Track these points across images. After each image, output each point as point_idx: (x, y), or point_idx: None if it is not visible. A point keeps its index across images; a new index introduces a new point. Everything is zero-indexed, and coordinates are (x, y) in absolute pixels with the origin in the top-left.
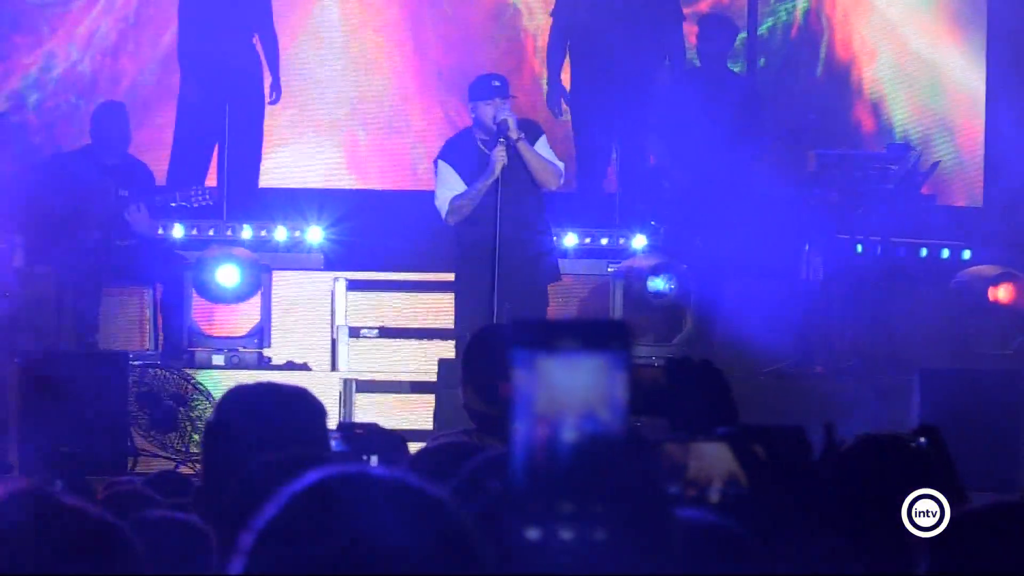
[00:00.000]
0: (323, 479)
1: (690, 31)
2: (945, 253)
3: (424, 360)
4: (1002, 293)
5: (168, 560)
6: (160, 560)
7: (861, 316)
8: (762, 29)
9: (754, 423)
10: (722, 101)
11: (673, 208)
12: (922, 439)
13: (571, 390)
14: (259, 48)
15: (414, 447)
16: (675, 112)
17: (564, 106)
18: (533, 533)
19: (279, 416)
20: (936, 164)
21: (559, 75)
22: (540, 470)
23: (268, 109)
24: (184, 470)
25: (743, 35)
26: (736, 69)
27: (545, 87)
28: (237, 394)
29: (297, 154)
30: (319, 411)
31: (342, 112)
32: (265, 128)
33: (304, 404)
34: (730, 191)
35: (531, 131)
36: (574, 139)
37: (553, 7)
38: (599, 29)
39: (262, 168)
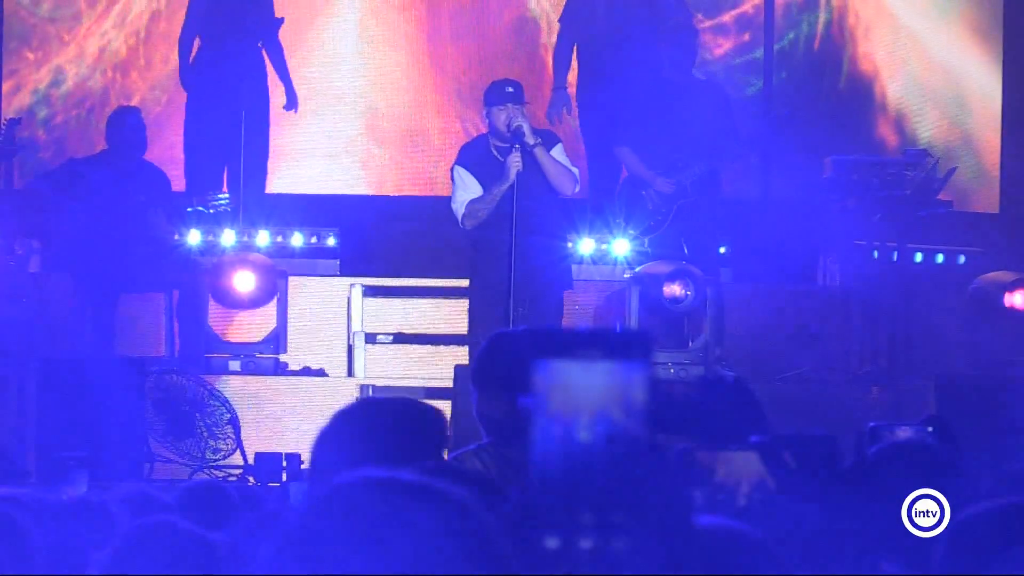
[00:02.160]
0: (347, 482)
1: (711, 42)
2: (961, 259)
3: (440, 366)
4: (1019, 299)
5: (165, 563)
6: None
7: (877, 322)
8: (783, 43)
9: (784, 431)
10: (689, 108)
11: (654, 215)
12: (930, 428)
13: (590, 396)
14: (264, 56)
15: None
16: (647, 118)
17: (565, 115)
18: (552, 542)
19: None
20: (953, 170)
21: (565, 82)
22: (559, 475)
23: (286, 119)
24: (199, 476)
25: (759, 52)
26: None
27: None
28: None
29: (313, 168)
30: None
31: (359, 127)
32: (282, 139)
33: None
34: (708, 195)
35: (547, 139)
36: (584, 146)
37: (561, 13)
38: (606, 35)
39: (278, 177)
